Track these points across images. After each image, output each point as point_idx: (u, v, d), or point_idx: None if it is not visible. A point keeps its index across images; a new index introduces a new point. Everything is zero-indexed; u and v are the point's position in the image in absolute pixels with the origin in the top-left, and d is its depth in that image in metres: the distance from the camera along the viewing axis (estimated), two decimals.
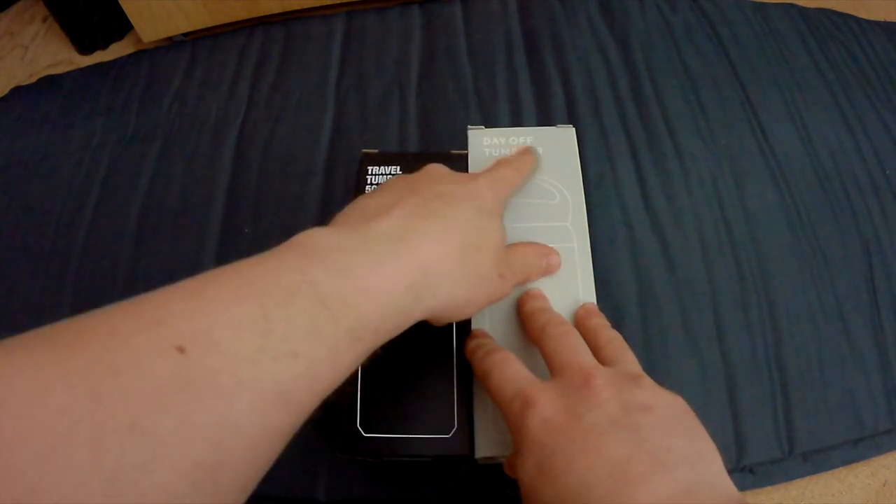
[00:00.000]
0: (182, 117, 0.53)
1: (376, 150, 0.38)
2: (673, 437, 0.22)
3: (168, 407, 0.15)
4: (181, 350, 0.16)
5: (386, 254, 0.22)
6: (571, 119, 0.49)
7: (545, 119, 0.49)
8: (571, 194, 0.34)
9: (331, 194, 0.46)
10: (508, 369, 0.26)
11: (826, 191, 0.45)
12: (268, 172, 0.48)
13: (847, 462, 0.37)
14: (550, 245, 0.32)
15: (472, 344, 0.30)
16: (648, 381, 0.25)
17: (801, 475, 0.37)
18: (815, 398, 0.38)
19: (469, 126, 0.37)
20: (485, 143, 0.36)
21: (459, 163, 0.37)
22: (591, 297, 0.32)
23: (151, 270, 0.45)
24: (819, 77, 0.52)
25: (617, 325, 0.31)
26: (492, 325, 0.31)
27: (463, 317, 0.26)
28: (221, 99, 0.53)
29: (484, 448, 0.29)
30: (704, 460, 0.22)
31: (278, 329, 0.18)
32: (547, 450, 0.22)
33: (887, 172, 0.47)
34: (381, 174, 0.36)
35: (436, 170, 0.29)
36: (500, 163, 0.31)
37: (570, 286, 0.32)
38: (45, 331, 0.16)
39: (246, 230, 0.45)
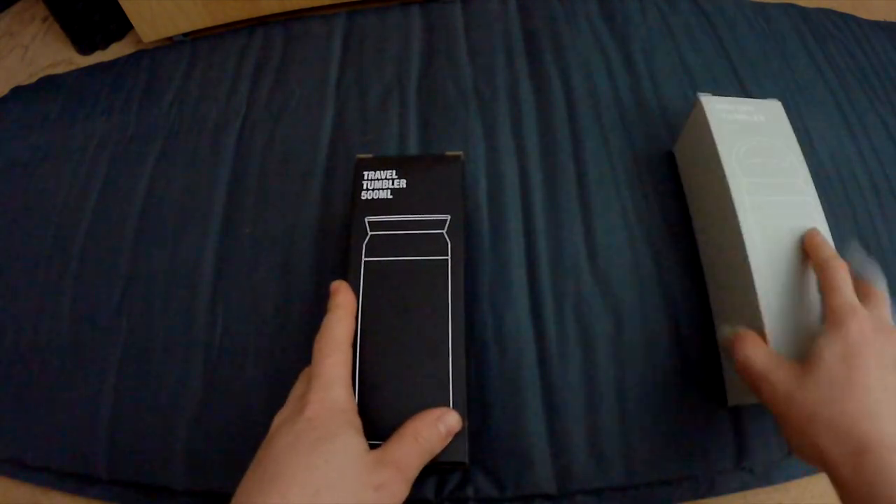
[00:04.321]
0: (182, 117, 0.53)
1: (371, 155, 0.38)
2: None
3: None
4: None
5: None
6: (571, 119, 0.49)
7: (545, 118, 0.49)
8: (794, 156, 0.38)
9: (331, 194, 0.46)
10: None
11: (826, 191, 0.45)
12: (268, 172, 0.48)
13: None
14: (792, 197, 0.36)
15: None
16: None
17: (801, 475, 0.37)
18: None
19: (699, 93, 0.40)
20: (720, 109, 0.39)
21: (454, 164, 0.37)
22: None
23: (151, 270, 0.45)
24: (819, 77, 0.52)
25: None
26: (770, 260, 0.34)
27: None
28: (221, 99, 0.53)
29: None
30: None
31: None
32: (858, 360, 0.27)
33: (887, 173, 0.47)
34: (377, 178, 0.36)
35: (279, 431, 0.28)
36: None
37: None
38: None
39: (246, 230, 0.45)
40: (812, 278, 0.33)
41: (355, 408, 0.29)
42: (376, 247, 0.34)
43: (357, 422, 0.28)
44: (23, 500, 0.40)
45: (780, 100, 0.40)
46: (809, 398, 0.28)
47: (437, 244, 0.34)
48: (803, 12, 0.57)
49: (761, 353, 0.31)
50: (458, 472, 0.36)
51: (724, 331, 0.34)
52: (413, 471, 0.28)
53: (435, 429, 0.29)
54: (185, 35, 0.60)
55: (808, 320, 0.32)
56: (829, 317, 0.30)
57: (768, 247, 0.34)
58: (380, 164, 0.37)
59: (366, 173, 0.37)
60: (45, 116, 0.55)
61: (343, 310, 0.32)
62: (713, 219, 0.39)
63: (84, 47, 0.62)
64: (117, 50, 0.63)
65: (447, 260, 0.34)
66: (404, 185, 0.36)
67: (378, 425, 0.30)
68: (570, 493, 0.36)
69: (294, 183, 0.47)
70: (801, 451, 0.29)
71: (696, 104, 0.40)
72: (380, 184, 0.36)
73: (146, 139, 0.52)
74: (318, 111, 0.51)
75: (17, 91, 0.59)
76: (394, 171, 0.37)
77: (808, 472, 0.37)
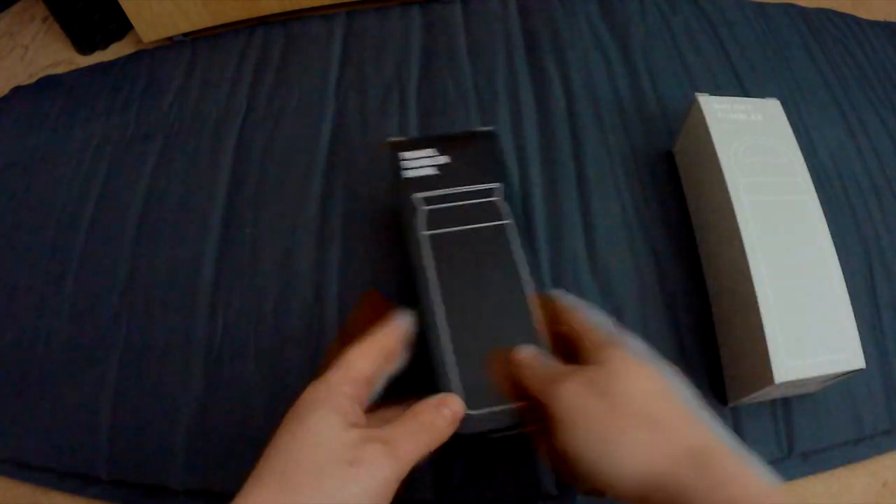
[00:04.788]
0: (182, 117, 0.53)
1: (403, 137, 0.38)
2: None
3: None
4: None
5: None
6: (571, 119, 0.49)
7: (545, 118, 0.49)
8: (794, 157, 0.38)
9: (331, 194, 0.46)
10: None
11: (826, 191, 0.45)
12: (268, 172, 0.48)
13: (847, 462, 0.37)
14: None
15: None
16: None
17: (801, 475, 0.37)
18: (814, 398, 0.38)
19: (697, 93, 0.40)
20: (718, 109, 0.39)
21: (490, 138, 0.37)
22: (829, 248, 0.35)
23: (151, 270, 0.45)
24: (819, 77, 0.52)
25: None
26: None
27: None
28: (221, 99, 0.53)
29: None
30: None
31: None
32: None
33: (887, 172, 0.47)
34: (417, 157, 0.36)
35: None
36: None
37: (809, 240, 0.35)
38: None
39: (246, 230, 0.45)
40: (811, 275, 0.33)
41: (344, 391, 0.28)
42: (434, 220, 0.34)
43: (338, 401, 0.27)
44: (23, 500, 0.40)
45: (779, 100, 0.40)
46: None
47: (493, 210, 0.35)
48: (803, 12, 0.57)
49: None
50: (458, 472, 0.36)
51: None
52: (404, 447, 0.26)
53: (438, 412, 0.28)
54: (185, 35, 0.60)
55: (807, 317, 0.32)
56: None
57: (766, 245, 0.34)
58: (415, 144, 0.37)
59: (402, 154, 0.37)
60: (45, 116, 0.55)
61: (380, 351, 0.30)
62: (712, 218, 0.39)
63: (84, 47, 0.62)
64: (117, 50, 0.63)
65: (506, 224, 0.34)
66: (449, 161, 0.36)
67: (482, 392, 0.30)
68: (571, 494, 0.36)
69: (294, 183, 0.47)
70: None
71: (693, 104, 0.40)
72: (422, 161, 0.36)
73: (146, 139, 0.52)
74: (318, 111, 0.51)
75: (17, 91, 0.59)
76: (434, 149, 0.37)
77: (808, 472, 0.37)
